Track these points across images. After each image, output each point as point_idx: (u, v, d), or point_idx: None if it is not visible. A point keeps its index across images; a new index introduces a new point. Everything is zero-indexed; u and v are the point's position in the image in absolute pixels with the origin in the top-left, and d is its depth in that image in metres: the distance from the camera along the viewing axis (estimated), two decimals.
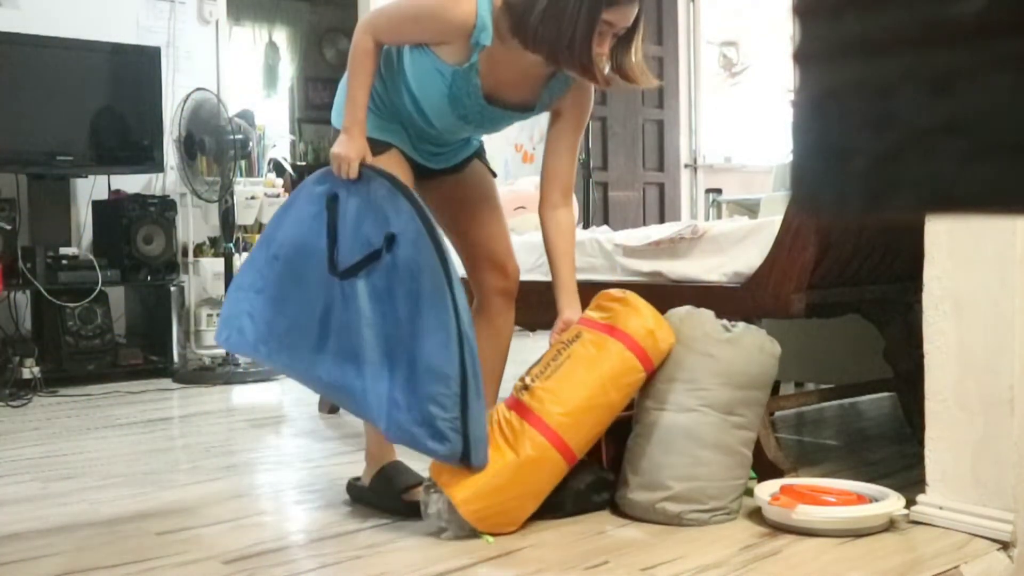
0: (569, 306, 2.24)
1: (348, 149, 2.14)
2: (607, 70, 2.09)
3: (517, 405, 2.10)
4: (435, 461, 2.05)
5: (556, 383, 2.10)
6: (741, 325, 2.23)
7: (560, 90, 2.23)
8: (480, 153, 2.45)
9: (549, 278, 2.31)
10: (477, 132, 2.34)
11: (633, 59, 2.08)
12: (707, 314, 2.22)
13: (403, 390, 2.02)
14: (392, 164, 2.21)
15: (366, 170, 2.15)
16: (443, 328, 1.99)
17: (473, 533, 2.01)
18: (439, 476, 2.04)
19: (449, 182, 2.38)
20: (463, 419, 1.97)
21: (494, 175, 2.48)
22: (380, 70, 2.22)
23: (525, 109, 2.24)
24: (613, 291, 2.24)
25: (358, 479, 2.36)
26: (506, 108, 2.21)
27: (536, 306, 2.59)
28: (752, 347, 2.19)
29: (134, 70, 4.68)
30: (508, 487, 2.02)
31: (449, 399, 1.97)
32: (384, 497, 2.24)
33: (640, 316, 2.15)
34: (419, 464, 2.26)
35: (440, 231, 2.15)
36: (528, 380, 2.12)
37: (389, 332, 2.07)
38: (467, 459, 1.99)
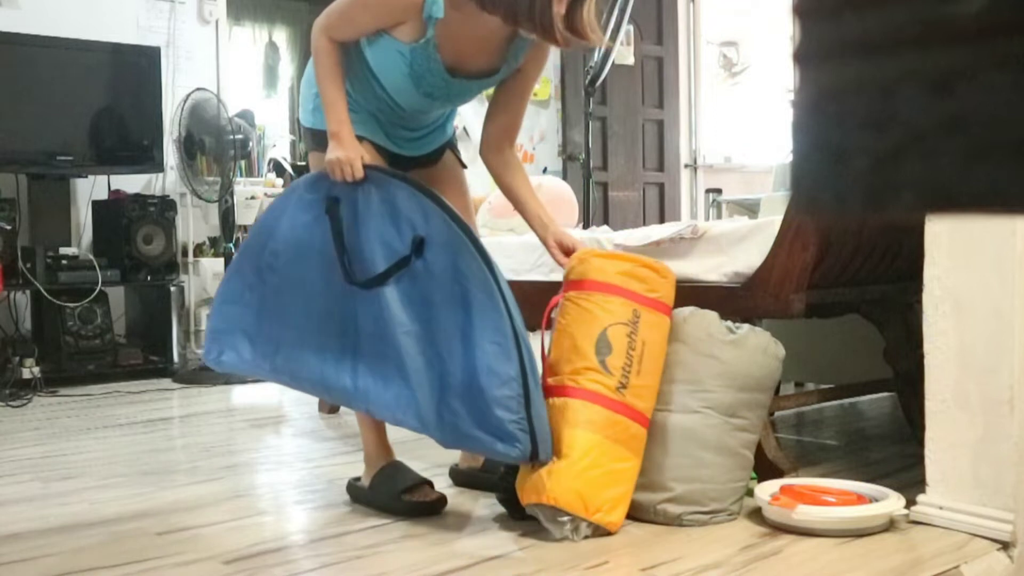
0: (551, 224, 2.28)
1: (346, 151, 2.12)
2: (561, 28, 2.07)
3: (624, 408, 2.07)
4: (567, 499, 1.98)
5: (646, 378, 2.10)
6: (745, 327, 2.23)
7: (524, 49, 2.21)
8: (452, 144, 2.44)
9: (549, 278, 2.31)
10: (447, 106, 2.32)
11: (585, 17, 2.03)
12: (711, 315, 2.22)
13: (461, 397, 1.99)
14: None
15: (373, 172, 2.13)
16: (498, 331, 1.98)
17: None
18: (577, 510, 1.98)
19: (422, 174, 2.35)
20: (528, 418, 1.96)
21: (464, 166, 2.48)
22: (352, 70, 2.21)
23: (490, 74, 2.22)
24: (647, 259, 2.22)
25: (358, 479, 2.36)
26: (470, 78, 2.19)
27: (536, 306, 2.59)
28: (756, 349, 2.18)
29: (134, 70, 4.68)
30: (633, 483, 2.08)
31: (514, 401, 1.95)
32: (384, 497, 2.24)
33: (674, 288, 2.22)
34: (419, 464, 2.26)
35: (475, 230, 2.13)
36: (622, 379, 2.09)
37: (433, 338, 2.04)
38: (535, 456, 1.97)
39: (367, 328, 2.10)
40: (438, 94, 2.19)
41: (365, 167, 2.13)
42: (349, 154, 2.12)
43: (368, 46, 2.16)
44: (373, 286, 2.08)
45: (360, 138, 2.19)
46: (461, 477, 2.46)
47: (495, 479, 2.27)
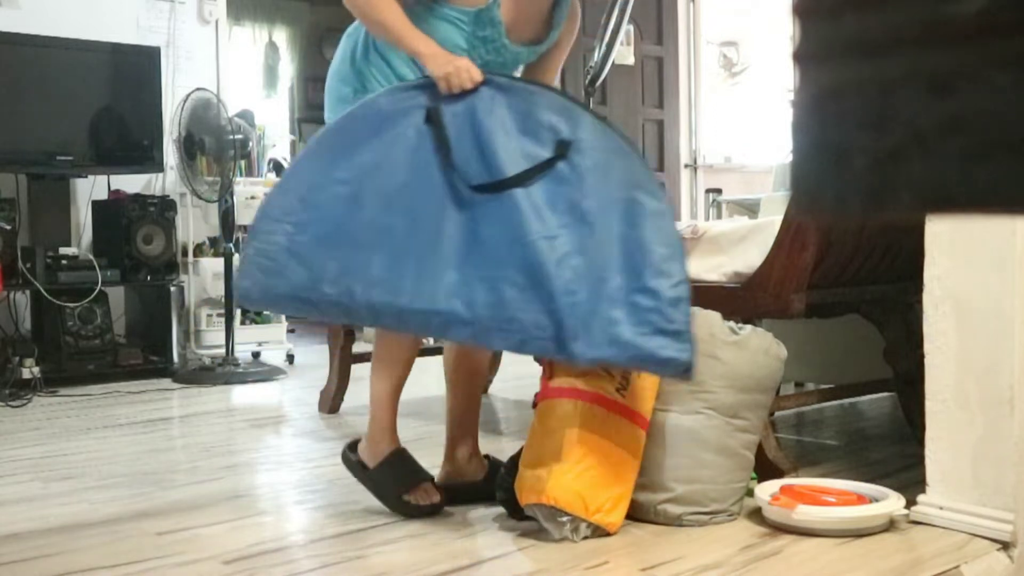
0: None
1: (454, 60, 1.99)
2: None
3: (624, 409, 2.07)
4: (567, 499, 1.94)
5: (646, 380, 2.10)
6: (748, 328, 2.23)
7: (562, 20, 2.20)
8: None
9: None
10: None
11: None
12: (714, 316, 2.22)
13: (622, 303, 1.89)
14: None
15: (497, 79, 2.01)
16: (669, 234, 1.94)
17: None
18: (577, 510, 1.97)
19: None
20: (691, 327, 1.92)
21: None
22: (380, 58, 2.14)
23: (538, 42, 2.17)
24: None
25: (355, 447, 2.28)
26: (522, 45, 2.15)
27: None
28: (758, 350, 2.18)
29: (134, 70, 4.68)
30: (632, 484, 2.07)
31: (686, 303, 1.91)
32: (384, 491, 2.22)
33: None
34: (427, 460, 2.26)
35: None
36: (622, 380, 2.08)
37: (583, 244, 1.91)
38: (691, 369, 1.90)
39: (488, 237, 1.92)
40: (493, 62, 2.12)
41: (490, 74, 2.01)
42: (460, 61, 1.99)
43: (420, 22, 2.07)
44: (502, 189, 1.92)
45: None
46: (447, 492, 2.30)
47: (481, 486, 2.26)
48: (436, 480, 2.31)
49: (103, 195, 4.80)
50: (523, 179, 1.92)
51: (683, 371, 1.90)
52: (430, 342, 5.96)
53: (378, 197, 1.96)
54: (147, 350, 4.66)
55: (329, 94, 2.24)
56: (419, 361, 4.87)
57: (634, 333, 1.88)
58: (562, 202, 1.93)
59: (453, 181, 1.95)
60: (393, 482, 2.22)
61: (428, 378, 4.63)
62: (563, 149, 1.95)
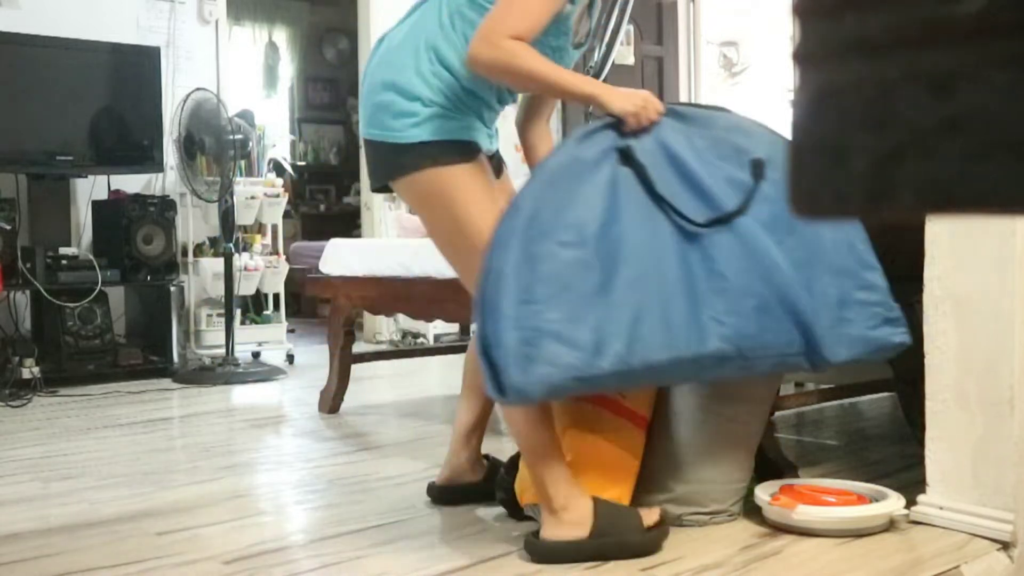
0: None
1: (633, 94, 1.93)
2: None
3: (624, 410, 2.07)
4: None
5: None
6: None
7: (594, 16, 2.15)
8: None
9: None
10: None
11: None
12: None
13: (852, 303, 1.96)
14: (481, 172, 1.99)
15: (672, 106, 1.98)
16: (858, 228, 2.03)
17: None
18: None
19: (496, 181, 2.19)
20: None
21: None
22: (452, 62, 1.96)
23: (579, 45, 2.12)
24: None
25: (537, 534, 1.93)
26: (575, 48, 2.09)
27: None
28: None
29: (134, 70, 4.68)
30: (632, 484, 2.06)
31: (886, 289, 2.03)
32: (625, 543, 1.91)
33: None
34: (419, 464, 2.26)
35: None
36: None
37: (806, 257, 1.94)
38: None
39: (727, 269, 1.88)
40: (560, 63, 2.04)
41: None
42: (640, 93, 1.92)
43: None
44: (731, 220, 1.90)
45: (468, 143, 1.98)
46: (446, 493, 2.30)
47: (480, 487, 2.25)
48: (436, 481, 2.32)
49: (103, 195, 4.80)
50: (744, 207, 1.92)
51: (903, 348, 2.04)
52: (429, 341, 5.95)
53: (608, 252, 1.82)
54: (147, 350, 4.66)
55: (384, 109, 1.98)
56: (419, 361, 4.88)
57: (866, 328, 1.97)
58: (776, 219, 1.93)
59: (674, 219, 1.89)
60: (627, 519, 1.95)
61: (428, 378, 4.64)
62: (760, 168, 1.95)
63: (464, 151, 1.97)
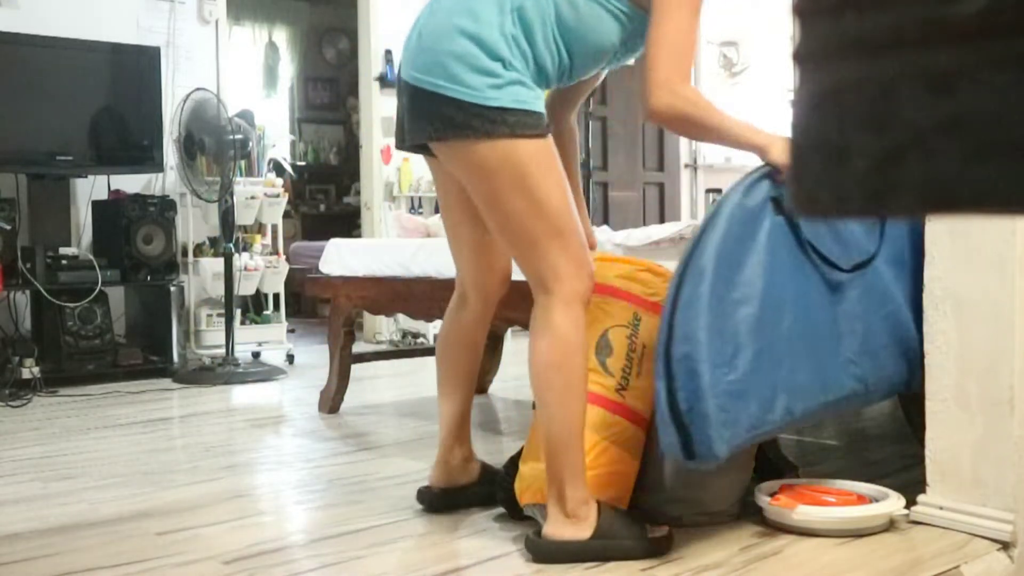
0: (582, 210, 2.05)
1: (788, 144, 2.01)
2: None
3: (623, 409, 2.07)
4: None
5: (645, 380, 2.08)
6: None
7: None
8: None
9: None
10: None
11: None
12: None
13: (919, 331, 2.06)
14: (554, 149, 1.89)
15: None
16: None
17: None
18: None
19: None
20: None
21: None
22: (534, 31, 1.84)
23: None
24: (648, 262, 2.22)
25: (539, 533, 1.91)
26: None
27: None
28: None
29: (134, 70, 4.68)
30: (631, 484, 2.06)
31: None
32: (628, 544, 1.89)
33: None
34: (420, 464, 2.25)
35: None
36: (621, 380, 2.08)
37: (909, 289, 2.08)
38: None
39: (858, 311, 1.98)
40: (612, 64, 2.04)
41: None
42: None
43: (589, 15, 1.88)
44: (870, 263, 2.02)
45: (542, 115, 1.86)
46: (447, 498, 2.24)
47: (478, 489, 2.24)
48: (433, 485, 2.26)
49: (103, 195, 4.80)
50: (879, 249, 2.00)
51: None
52: (429, 341, 5.95)
53: (771, 306, 1.87)
54: (147, 350, 4.66)
55: (459, 59, 1.79)
56: (419, 361, 4.88)
57: (906, 370, 2.09)
58: (897, 256, 2.05)
59: (819, 267, 1.97)
60: (632, 524, 1.93)
61: (428, 378, 4.63)
62: None
63: (539, 124, 1.84)
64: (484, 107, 1.78)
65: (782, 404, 1.84)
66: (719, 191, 7.25)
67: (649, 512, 2.10)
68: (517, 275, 2.46)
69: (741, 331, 1.81)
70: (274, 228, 5.35)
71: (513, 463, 2.14)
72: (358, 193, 6.70)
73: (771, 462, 2.38)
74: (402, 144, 2.01)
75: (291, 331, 5.54)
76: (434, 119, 1.83)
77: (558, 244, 1.86)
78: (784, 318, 1.87)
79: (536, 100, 1.84)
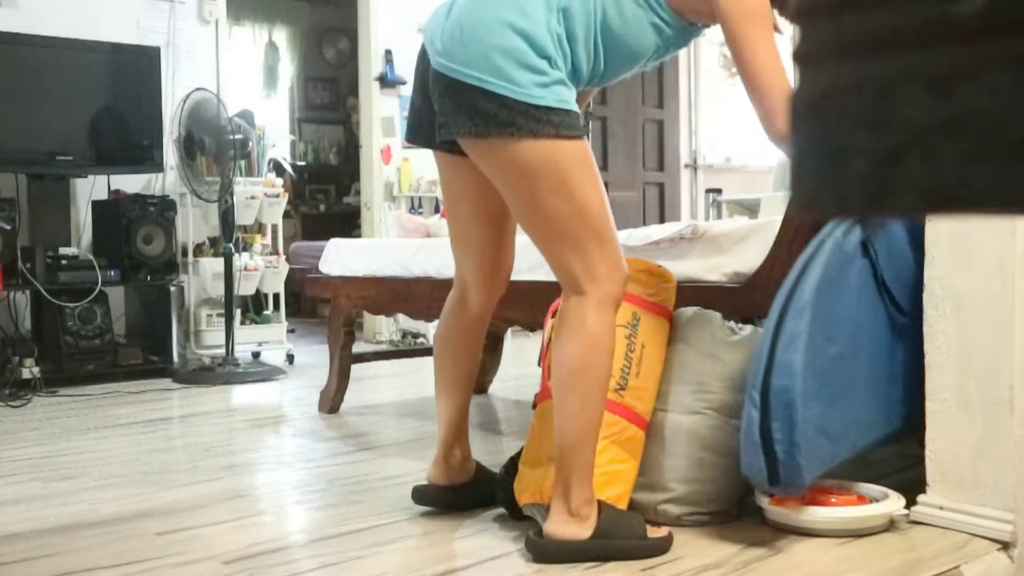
0: None
1: None
2: None
3: (623, 410, 2.06)
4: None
5: (644, 380, 2.10)
6: (748, 328, 2.23)
7: None
8: None
9: (549, 278, 2.30)
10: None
11: None
12: (714, 316, 2.22)
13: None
14: (590, 151, 1.87)
15: None
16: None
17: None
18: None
19: None
20: None
21: None
22: (577, 32, 1.81)
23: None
24: (648, 263, 2.22)
25: (539, 532, 1.90)
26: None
27: (536, 306, 2.59)
28: None
29: (134, 70, 4.68)
30: (631, 484, 2.06)
31: None
32: (629, 537, 1.89)
33: (675, 292, 2.23)
34: (420, 465, 2.25)
35: None
36: (620, 380, 2.07)
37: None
38: None
39: (909, 356, 2.08)
40: (636, 69, 2.04)
41: None
42: None
43: (633, 20, 1.85)
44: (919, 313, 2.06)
45: (579, 116, 1.84)
46: (443, 495, 2.22)
47: (476, 489, 2.23)
48: (434, 482, 2.24)
49: (103, 195, 4.80)
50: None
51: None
52: (429, 341, 5.95)
53: (853, 344, 1.96)
54: (147, 350, 4.66)
55: (507, 54, 1.73)
56: (418, 361, 4.88)
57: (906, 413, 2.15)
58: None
59: (889, 308, 2.06)
60: (631, 525, 1.92)
61: (428, 378, 4.63)
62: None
63: (579, 125, 1.80)
64: (530, 105, 1.73)
65: (850, 438, 1.97)
66: (719, 191, 7.25)
67: (649, 512, 2.10)
68: (517, 275, 2.47)
69: (828, 368, 1.90)
70: (274, 228, 5.35)
71: (513, 463, 2.14)
72: (358, 193, 6.70)
73: None
74: (416, 139, 1.98)
75: (291, 331, 5.54)
76: (475, 115, 1.76)
77: (597, 245, 1.84)
78: (861, 356, 1.98)
79: (574, 101, 1.82)
